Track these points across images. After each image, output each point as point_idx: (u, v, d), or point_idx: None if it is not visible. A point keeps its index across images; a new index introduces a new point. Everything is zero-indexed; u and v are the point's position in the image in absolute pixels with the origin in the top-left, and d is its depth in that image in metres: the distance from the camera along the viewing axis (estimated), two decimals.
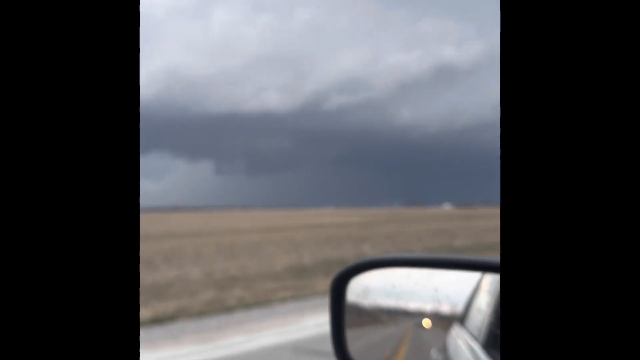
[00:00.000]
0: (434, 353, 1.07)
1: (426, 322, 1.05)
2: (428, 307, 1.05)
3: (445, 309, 1.06)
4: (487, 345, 0.99)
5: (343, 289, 1.06)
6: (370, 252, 14.68)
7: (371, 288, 1.07)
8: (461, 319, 1.06)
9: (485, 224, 29.50)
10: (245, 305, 7.58)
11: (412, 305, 1.07)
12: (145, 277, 9.62)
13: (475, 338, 1.03)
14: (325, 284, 7.95)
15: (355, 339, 1.06)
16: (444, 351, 1.06)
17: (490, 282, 1.02)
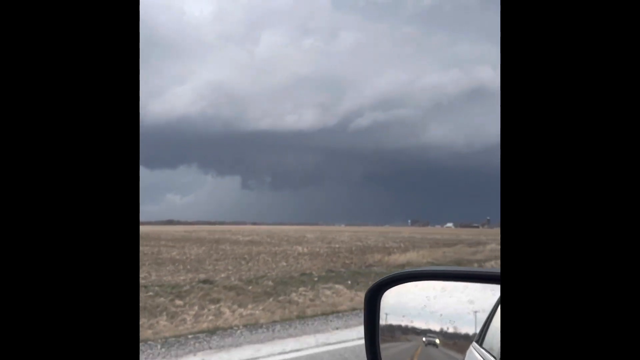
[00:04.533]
0: None
1: (441, 342, 1.04)
2: (447, 325, 1.05)
3: (463, 328, 1.06)
4: None
5: (377, 300, 1.08)
6: None
7: (402, 304, 1.08)
8: (479, 337, 1.06)
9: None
10: None
11: (436, 324, 1.06)
12: None
13: (494, 357, 1.02)
14: None
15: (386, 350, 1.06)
16: None
17: None
